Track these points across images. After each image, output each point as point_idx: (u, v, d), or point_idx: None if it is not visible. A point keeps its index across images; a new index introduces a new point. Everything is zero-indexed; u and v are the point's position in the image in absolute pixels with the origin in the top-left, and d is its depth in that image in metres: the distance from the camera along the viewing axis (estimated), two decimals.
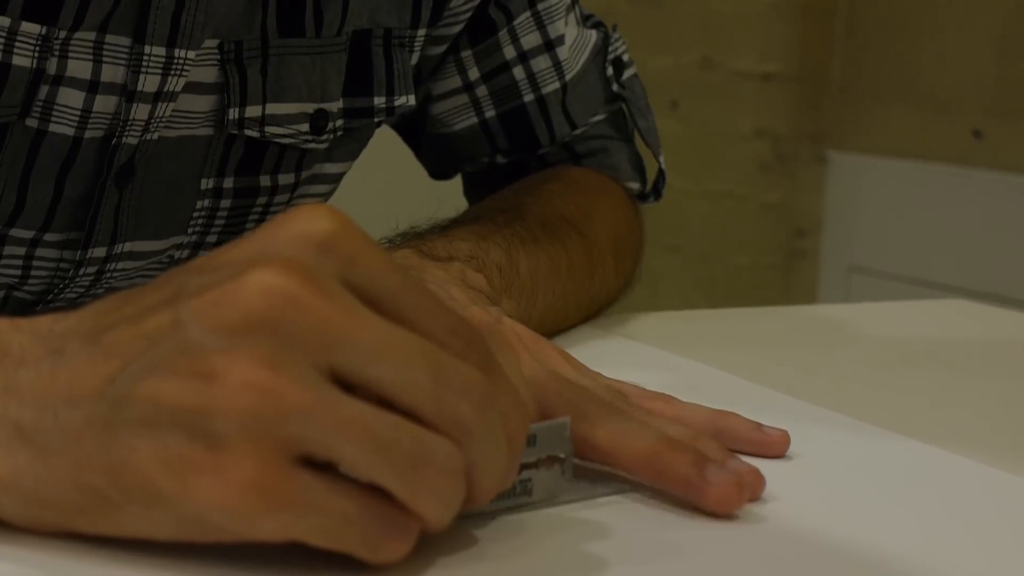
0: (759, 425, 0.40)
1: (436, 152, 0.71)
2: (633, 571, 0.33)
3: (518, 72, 0.67)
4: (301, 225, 0.28)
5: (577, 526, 0.35)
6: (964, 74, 1.63)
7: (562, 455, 0.34)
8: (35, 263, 0.55)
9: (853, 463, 0.44)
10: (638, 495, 0.37)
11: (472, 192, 0.71)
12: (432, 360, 0.28)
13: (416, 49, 0.64)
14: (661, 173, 0.71)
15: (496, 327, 0.43)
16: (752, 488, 0.35)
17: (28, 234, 0.54)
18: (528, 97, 0.67)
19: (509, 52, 0.67)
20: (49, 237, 0.54)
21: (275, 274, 0.27)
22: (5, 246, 0.55)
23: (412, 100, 0.64)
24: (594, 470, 0.38)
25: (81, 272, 0.55)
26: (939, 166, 1.66)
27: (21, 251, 0.54)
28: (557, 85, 0.67)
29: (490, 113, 0.68)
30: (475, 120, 0.68)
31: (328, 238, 0.28)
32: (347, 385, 0.27)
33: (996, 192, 1.60)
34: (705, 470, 0.34)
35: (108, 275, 0.56)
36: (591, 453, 0.37)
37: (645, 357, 0.58)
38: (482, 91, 0.67)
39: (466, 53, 0.67)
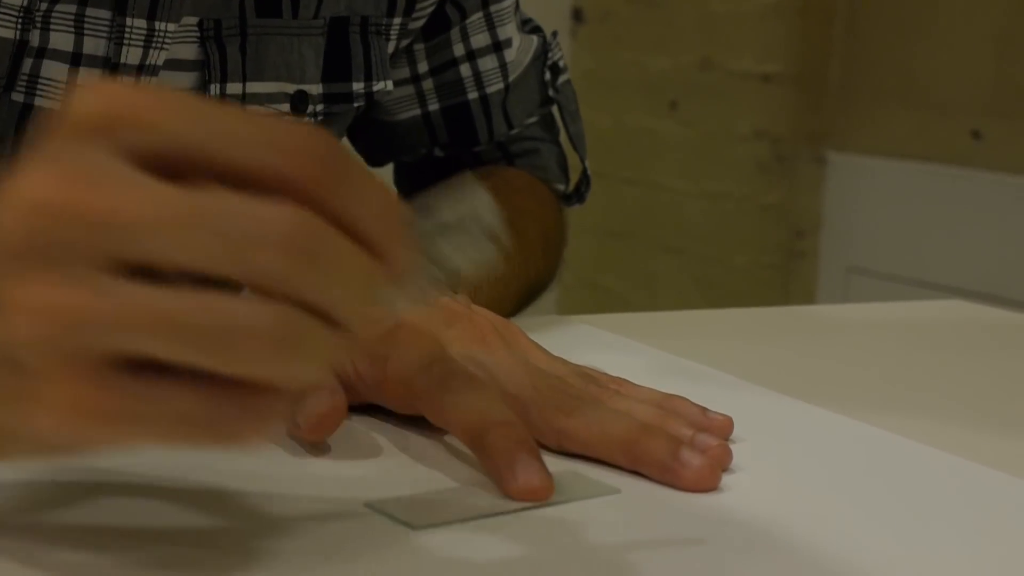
0: (704, 410, 0.40)
1: (375, 139, 0.71)
2: (629, 570, 0.33)
3: (464, 70, 0.68)
4: (70, 117, 0.26)
5: (569, 526, 0.36)
6: (963, 75, 1.63)
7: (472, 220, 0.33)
8: None
9: (811, 448, 0.45)
10: (627, 495, 0.37)
11: (402, 182, 0.72)
12: (217, 215, 0.25)
13: (392, 37, 0.65)
14: (586, 177, 0.72)
15: (469, 315, 0.43)
16: (722, 462, 0.37)
17: None
18: (472, 95, 0.68)
19: (459, 49, 0.68)
20: None
21: (30, 185, 0.25)
22: None
23: (390, 85, 0.65)
24: (581, 473, 0.38)
25: None
26: (938, 167, 1.66)
27: None
28: (501, 86, 0.68)
29: (434, 107, 0.68)
30: (418, 112, 0.69)
31: (98, 118, 0.26)
32: (150, 273, 0.25)
33: (995, 193, 1.61)
34: (680, 454, 0.36)
35: None
36: (568, 443, 0.38)
37: (645, 356, 0.57)
38: (428, 84, 0.68)
39: (418, 46, 0.68)
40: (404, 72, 0.69)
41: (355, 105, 0.65)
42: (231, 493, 0.37)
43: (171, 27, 0.56)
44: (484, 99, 0.69)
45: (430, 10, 0.67)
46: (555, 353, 0.45)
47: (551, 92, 0.72)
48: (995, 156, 1.59)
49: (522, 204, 0.66)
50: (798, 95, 1.77)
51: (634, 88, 1.96)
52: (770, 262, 1.80)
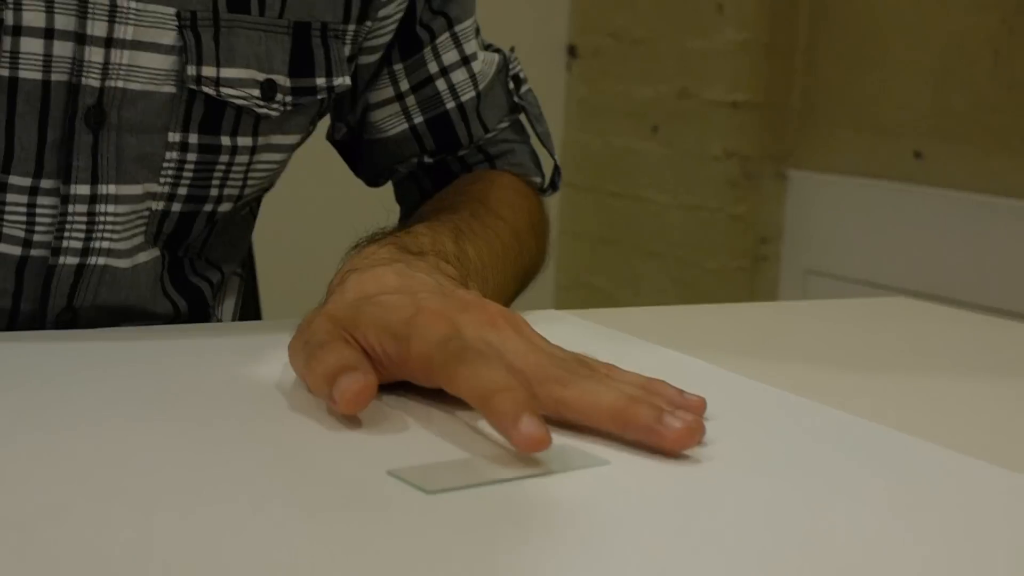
0: (681, 391, 0.42)
1: (372, 157, 0.74)
2: (619, 539, 0.34)
3: (440, 84, 0.71)
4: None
5: (564, 491, 0.37)
6: (906, 103, 1.71)
7: None
8: (37, 211, 0.56)
9: (773, 425, 0.46)
10: (615, 466, 0.39)
11: (402, 195, 0.74)
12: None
13: (347, 42, 0.67)
14: (557, 169, 0.75)
15: (482, 304, 0.45)
16: (699, 431, 0.39)
17: (26, 182, 0.55)
18: (450, 105, 0.71)
19: (433, 67, 0.71)
20: (44, 184, 0.56)
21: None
22: (8, 194, 0.57)
23: (348, 81, 0.67)
24: (575, 447, 0.40)
25: (71, 211, 0.56)
26: (884, 183, 1.74)
27: (23, 199, 0.56)
28: (473, 94, 0.71)
29: (418, 119, 0.71)
30: (406, 126, 0.71)
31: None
32: None
33: (934, 205, 1.68)
34: (663, 419, 0.38)
35: (100, 221, 0.57)
36: (565, 411, 0.40)
37: (629, 345, 0.59)
38: (411, 100, 0.71)
39: (397, 67, 0.71)
40: (389, 92, 0.71)
41: (319, 98, 0.67)
42: (272, 460, 0.39)
43: (134, 4, 0.58)
44: (460, 107, 0.71)
45: (392, 26, 0.69)
46: (553, 342, 0.47)
47: (517, 99, 0.74)
48: (934, 174, 1.68)
49: (510, 199, 0.69)
50: (763, 120, 1.85)
51: (621, 114, 2.02)
52: (738, 265, 1.86)
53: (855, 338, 0.66)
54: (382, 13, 0.67)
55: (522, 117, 0.74)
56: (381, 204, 0.71)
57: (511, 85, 0.74)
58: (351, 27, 0.67)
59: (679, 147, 1.93)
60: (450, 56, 0.71)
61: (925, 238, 1.69)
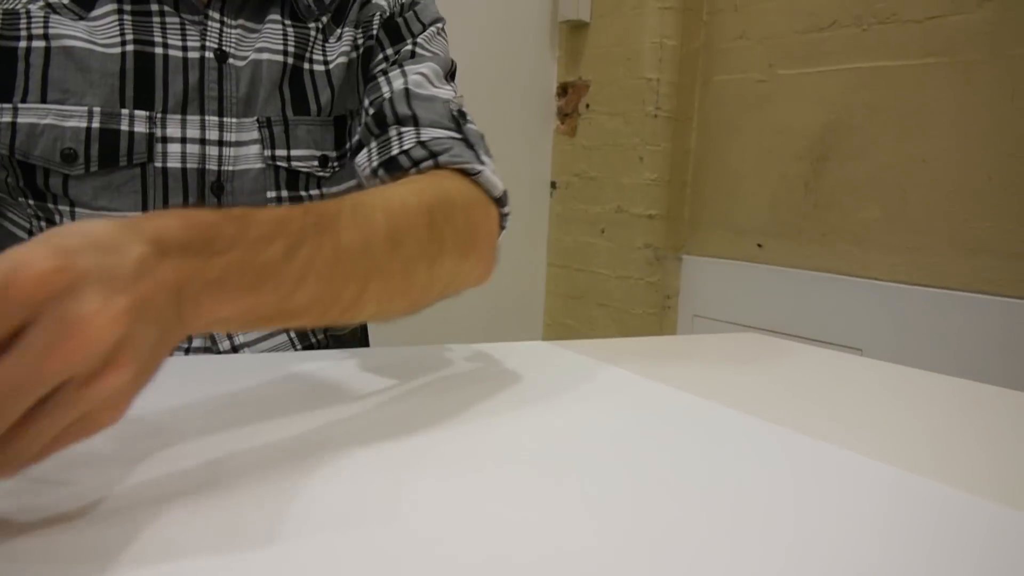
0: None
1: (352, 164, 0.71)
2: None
3: (384, 88, 0.69)
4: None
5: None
6: (752, 214, 1.90)
7: None
8: None
9: (671, 415, 0.48)
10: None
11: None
12: None
13: (362, 110, 0.70)
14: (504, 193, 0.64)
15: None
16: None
17: None
18: (386, 95, 0.68)
19: (384, 86, 0.70)
20: None
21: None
22: None
23: (358, 137, 0.68)
24: None
25: None
26: (739, 262, 1.93)
27: None
28: (402, 85, 0.68)
29: (368, 118, 0.69)
30: (362, 123, 0.69)
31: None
32: None
33: (769, 277, 1.87)
34: None
35: None
36: None
37: (586, 365, 0.60)
38: (368, 109, 0.70)
39: (365, 98, 0.71)
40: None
41: (348, 155, 0.70)
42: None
43: (234, 120, 0.63)
44: (392, 95, 0.67)
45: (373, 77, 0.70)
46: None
47: (460, 123, 0.67)
48: (771, 257, 1.87)
49: (445, 195, 0.58)
50: (667, 226, 2.08)
51: (583, 223, 2.21)
52: (653, 312, 2.08)
53: (722, 359, 0.68)
54: (369, 71, 0.69)
55: (465, 139, 0.66)
56: None
57: (453, 109, 0.68)
58: (365, 102, 0.69)
59: (617, 242, 2.11)
60: (397, 81, 0.69)
61: (767, 294, 1.85)
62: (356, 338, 0.81)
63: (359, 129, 0.68)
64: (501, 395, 0.52)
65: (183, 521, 0.33)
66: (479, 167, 0.64)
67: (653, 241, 2.08)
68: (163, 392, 0.45)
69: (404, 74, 0.69)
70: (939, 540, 0.36)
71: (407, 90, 0.67)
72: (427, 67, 0.69)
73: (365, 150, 0.67)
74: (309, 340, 0.74)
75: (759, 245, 1.87)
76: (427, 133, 0.66)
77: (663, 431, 0.47)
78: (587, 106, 2.19)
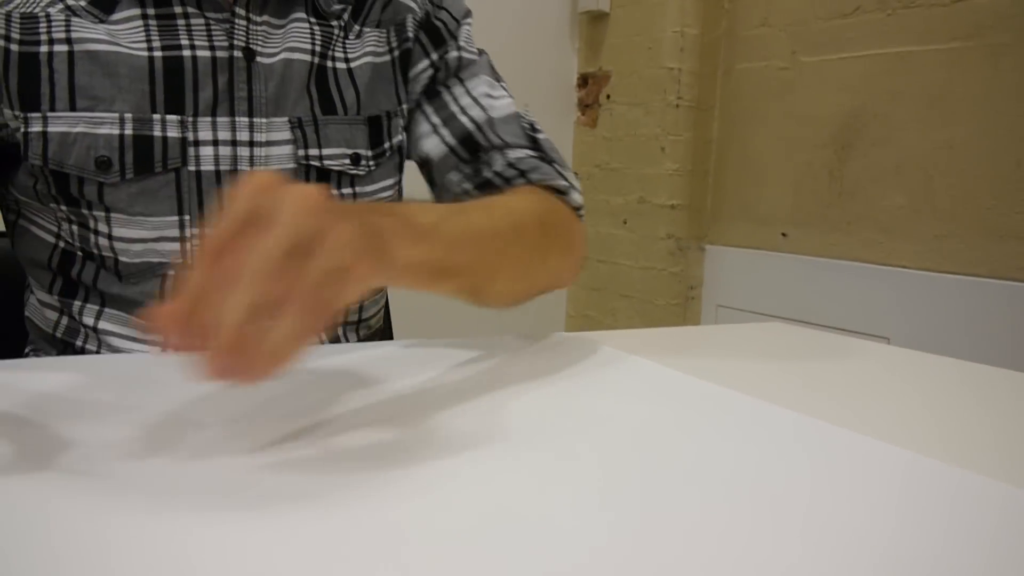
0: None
1: (433, 177, 0.73)
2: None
3: (462, 117, 0.72)
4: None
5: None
6: (776, 203, 1.90)
7: None
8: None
9: (695, 401, 0.48)
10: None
11: None
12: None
13: (404, 115, 0.71)
14: (576, 178, 0.70)
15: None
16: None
17: None
18: (470, 126, 0.71)
19: (453, 107, 0.72)
20: None
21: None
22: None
23: (404, 138, 0.70)
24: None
25: None
26: (764, 251, 1.94)
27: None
28: (485, 117, 0.71)
29: (451, 141, 0.72)
30: (444, 148, 0.72)
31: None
32: None
33: (794, 266, 1.88)
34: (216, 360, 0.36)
35: None
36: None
37: (609, 355, 0.60)
38: (444, 131, 0.72)
39: (427, 108, 0.73)
40: (426, 127, 0.73)
41: (387, 154, 0.69)
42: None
43: (264, 120, 0.63)
44: (478, 126, 0.71)
45: (421, 89, 0.72)
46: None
47: (532, 134, 0.72)
48: (795, 246, 1.89)
49: (542, 208, 0.64)
50: (690, 216, 2.09)
51: (605, 214, 2.22)
52: (676, 303, 2.09)
53: (746, 347, 0.68)
54: (412, 74, 0.70)
55: (543, 153, 0.71)
56: None
57: (525, 125, 0.72)
58: (404, 106, 0.70)
59: (640, 232, 2.13)
60: (465, 100, 0.72)
61: (790, 285, 1.85)
62: (380, 334, 0.82)
63: (433, 142, 0.72)
64: (523, 385, 0.52)
65: (215, 512, 0.34)
66: (563, 183, 0.70)
67: (676, 231, 2.08)
68: (188, 381, 0.45)
69: (469, 92, 0.72)
70: (954, 524, 0.36)
71: (490, 119, 0.71)
72: (484, 81, 0.73)
73: (457, 173, 0.71)
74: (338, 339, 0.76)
75: (783, 234, 1.87)
76: (513, 154, 0.70)
77: (685, 419, 0.47)
78: (608, 97, 2.21)
